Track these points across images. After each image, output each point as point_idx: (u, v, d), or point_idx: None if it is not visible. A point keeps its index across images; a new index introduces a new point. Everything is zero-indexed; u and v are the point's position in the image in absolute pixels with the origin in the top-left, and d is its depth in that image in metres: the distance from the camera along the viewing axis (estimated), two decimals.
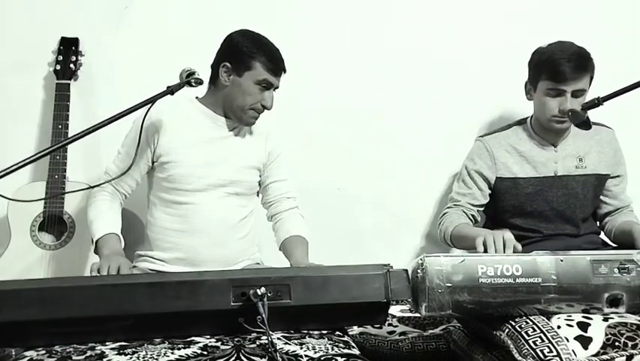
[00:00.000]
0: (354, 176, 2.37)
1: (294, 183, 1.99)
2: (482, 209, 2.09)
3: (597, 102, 1.64)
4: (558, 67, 1.88)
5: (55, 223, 2.08)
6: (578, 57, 1.90)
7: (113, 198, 1.86)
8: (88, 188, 1.82)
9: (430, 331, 1.83)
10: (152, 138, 1.82)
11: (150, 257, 1.86)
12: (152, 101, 1.62)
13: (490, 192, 2.07)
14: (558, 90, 1.90)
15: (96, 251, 1.77)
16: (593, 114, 1.86)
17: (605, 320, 1.39)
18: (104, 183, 1.81)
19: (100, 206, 1.83)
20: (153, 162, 1.85)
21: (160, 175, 1.85)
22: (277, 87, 1.86)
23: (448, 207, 2.08)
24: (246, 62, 1.80)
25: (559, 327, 1.37)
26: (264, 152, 1.93)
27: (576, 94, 1.90)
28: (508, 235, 1.62)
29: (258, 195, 2.00)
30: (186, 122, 1.85)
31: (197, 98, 1.90)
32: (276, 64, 1.82)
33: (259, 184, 1.96)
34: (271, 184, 1.95)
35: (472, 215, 2.04)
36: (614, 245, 2.08)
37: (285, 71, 1.85)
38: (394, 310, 1.98)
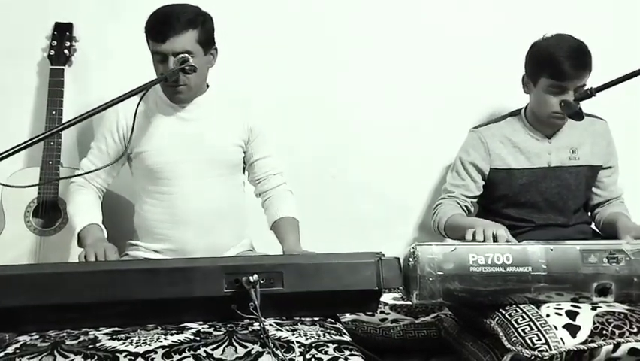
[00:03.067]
0: (349, 164, 2.37)
1: (280, 158, 1.96)
2: (476, 200, 2.10)
3: (590, 93, 1.65)
4: (561, 65, 1.86)
5: (49, 209, 2.08)
6: (580, 54, 1.89)
7: (90, 193, 1.87)
8: (81, 174, 1.82)
9: (422, 318, 1.85)
10: (122, 131, 1.82)
11: (142, 246, 1.87)
12: (146, 87, 1.61)
13: (483, 183, 2.08)
14: (561, 87, 1.90)
15: (79, 243, 1.77)
16: (587, 105, 1.87)
17: (594, 308, 1.41)
18: (75, 177, 1.84)
19: (78, 201, 1.84)
20: (129, 155, 1.85)
21: (139, 166, 1.85)
22: (178, 53, 1.70)
23: (442, 198, 2.09)
24: (146, 39, 1.79)
25: (548, 315, 1.38)
26: (244, 127, 1.88)
27: (577, 90, 1.89)
28: (501, 231, 1.63)
29: (243, 173, 1.97)
30: (153, 111, 1.83)
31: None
32: (152, 31, 1.73)
33: (244, 162, 1.94)
34: (257, 162, 1.92)
35: (466, 206, 2.06)
36: (603, 235, 2.10)
37: (171, 34, 1.70)
38: (387, 297, 2.00)
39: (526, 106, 2.09)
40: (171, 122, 1.83)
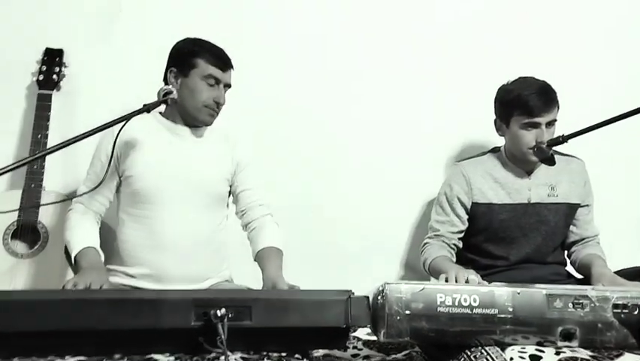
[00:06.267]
0: (329, 198, 2.40)
1: (265, 191, 1.99)
2: (462, 235, 2.12)
3: (562, 140, 1.70)
4: (530, 102, 1.94)
5: (28, 232, 2.09)
6: (547, 90, 1.98)
7: (87, 218, 1.87)
8: (61, 201, 1.85)
9: (393, 356, 1.84)
10: (117, 154, 1.84)
11: (120, 272, 1.88)
12: (127, 118, 1.65)
13: (467, 217, 2.10)
14: (533, 123, 1.96)
15: (77, 267, 1.78)
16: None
17: (557, 353, 1.42)
18: (74, 199, 1.85)
19: (75, 225, 1.85)
20: (120, 178, 1.88)
21: (127, 190, 1.87)
22: (228, 85, 1.90)
23: (429, 238, 2.11)
24: (190, 61, 1.84)
25: (512, 359, 1.39)
26: (232, 161, 1.94)
27: (550, 124, 1.97)
28: (472, 277, 1.67)
29: (227, 207, 2.00)
30: (147, 136, 1.87)
31: (160, 112, 1.92)
32: (219, 58, 1.86)
33: (231, 194, 1.97)
34: (241, 193, 1.95)
35: (454, 244, 2.08)
36: (578, 277, 2.13)
37: (232, 67, 1.89)
38: (361, 333, 2.00)
39: (504, 145, 2.13)
40: (163, 150, 1.87)
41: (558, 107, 1.99)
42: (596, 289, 1.47)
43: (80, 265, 1.75)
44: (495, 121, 2.09)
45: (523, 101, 1.95)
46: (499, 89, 2.07)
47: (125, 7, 2.29)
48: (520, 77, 2.04)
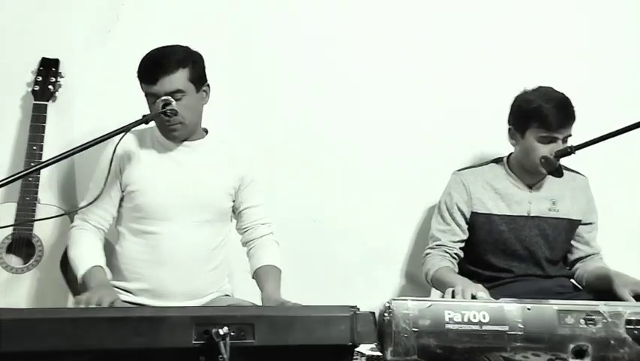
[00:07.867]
0: (330, 208, 2.37)
1: (268, 208, 1.97)
2: (463, 245, 2.09)
3: (570, 151, 1.67)
4: (549, 116, 1.92)
5: (23, 246, 2.04)
6: (567, 105, 1.95)
7: (90, 234, 1.84)
8: (58, 215, 1.82)
9: None
10: (119, 167, 1.82)
11: (118, 287, 1.84)
12: (126, 129, 1.62)
13: (467, 226, 2.08)
14: (551, 137, 1.93)
15: (83, 287, 1.75)
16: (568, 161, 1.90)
17: None
18: (76, 215, 1.82)
19: (79, 243, 1.82)
20: (123, 192, 1.84)
21: (128, 205, 1.84)
22: (169, 93, 1.71)
23: (430, 248, 2.08)
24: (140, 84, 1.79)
25: None
26: (234, 176, 1.90)
27: (566, 139, 1.95)
28: (480, 293, 1.64)
29: (231, 221, 1.97)
30: (150, 150, 1.84)
31: None
32: (142, 74, 1.76)
33: (233, 210, 1.94)
34: (245, 210, 1.93)
35: (455, 253, 2.05)
36: (582, 289, 2.10)
37: (162, 74, 1.71)
38: (364, 348, 1.96)
39: (509, 155, 2.11)
40: (165, 164, 1.84)
41: (575, 121, 1.96)
42: (609, 304, 1.44)
43: (88, 285, 1.72)
44: (509, 130, 2.06)
45: (543, 115, 1.92)
46: (517, 97, 2.03)
47: (121, 17, 2.26)
48: (540, 87, 2.00)
